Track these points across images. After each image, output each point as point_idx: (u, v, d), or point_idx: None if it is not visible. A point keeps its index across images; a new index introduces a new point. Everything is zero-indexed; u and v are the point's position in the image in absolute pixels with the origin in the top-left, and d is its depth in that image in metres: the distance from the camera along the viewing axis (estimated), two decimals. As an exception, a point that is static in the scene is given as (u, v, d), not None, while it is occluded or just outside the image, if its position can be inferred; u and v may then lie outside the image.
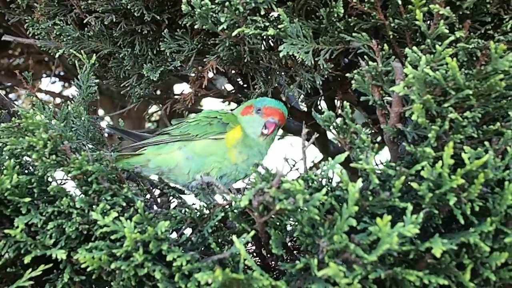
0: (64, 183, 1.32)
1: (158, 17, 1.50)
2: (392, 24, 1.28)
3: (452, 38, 1.14)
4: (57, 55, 1.63)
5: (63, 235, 1.17)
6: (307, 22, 1.38)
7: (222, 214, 1.21)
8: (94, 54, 1.51)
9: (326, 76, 1.47)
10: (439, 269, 1.08)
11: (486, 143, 1.14)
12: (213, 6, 1.25)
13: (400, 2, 1.23)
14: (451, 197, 1.04)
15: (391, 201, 1.08)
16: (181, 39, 1.52)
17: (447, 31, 1.17)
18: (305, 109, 2.16)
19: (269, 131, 1.50)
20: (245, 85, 1.87)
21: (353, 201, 1.02)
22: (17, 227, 1.13)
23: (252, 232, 1.09)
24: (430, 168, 1.07)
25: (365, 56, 1.28)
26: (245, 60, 1.46)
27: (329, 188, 1.14)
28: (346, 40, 1.33)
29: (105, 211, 1.14)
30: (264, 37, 1.35)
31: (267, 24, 1.26)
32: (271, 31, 1.24)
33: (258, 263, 1.31)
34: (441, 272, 1.07)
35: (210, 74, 1.70)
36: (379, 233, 1.00)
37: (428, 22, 1.27)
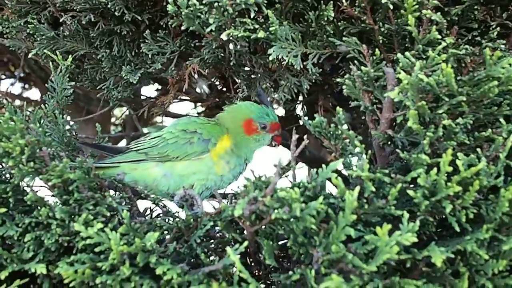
0: (37, 191, 1.24)
1: (139, 17, 1.44)
2: (382, 29, 1.27)
3: (444, 44, 1.14)
4: (30, 55, 1.54)
5: (41, 248, 1.09)
6: (295, 25, 1.35)
7: (211, 223, 1.16)
8: (70, 55, 1.43)
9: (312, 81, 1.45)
10: (434, 277, 1.06)
11: (478, 149, 1.14)
12: (201, 7, 1.20)
13: (391, 7, 1.22)
14: (447, 204, 1.04)
15: (386, 209, 1.07)
16: (162, 40, 1.47)
17: (439, 36, 1.16)
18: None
19: (278, 145, 1.52)
20: (224, 89, 1.83)
21: (350, 210, 1.00)
22: (-9, 240, 1.05)
23: (246, 243, 1.05)
24: (425, 175, 1.06)
25: (355, 61, 1.26)
26: (231, 63, 1.42)
27: (323, 196, 1.11)
28: (335, 44, 1.31)
29: (87, 221, 1.07)
30: (252, 40, 1.30)
31: (256, 26, 1.22)
32: (261, 34, 1.21)
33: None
34: (436, 280, 1.06)
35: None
36: (378, 242, 0.98)
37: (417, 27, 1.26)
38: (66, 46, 1.53)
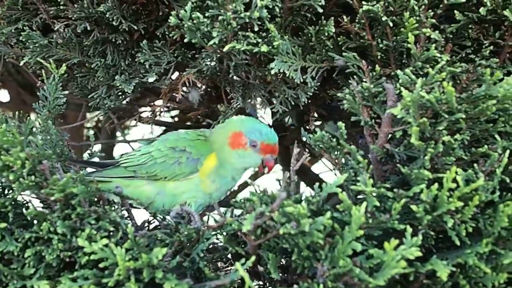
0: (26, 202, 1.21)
1: (135, 27, 1.42)
2: (380, 45, 1.30)
3: (443, 62, 1.17)
4: (21, 63, 1.50)
5: (41, 263, 1.07)
6: (293, 39, 1.37)
7: (215, 237, 1.15)
8: (64, 64, 1.40)
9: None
10: (435, 290, 1.09)
11: (474, 164, 1.18)
12: (204, 20, 1.20)
13: (391, 24, 1.24)
14: (448, 219, 1.06)
15: (389, 223, 1.08)
16: (158, 50, 1.45)
17: (438, 54, 1.19)
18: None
19: (269, 171, 1.39)
20: (216, 98, 1.82)
21: (357, 225, 1.01)
22: (-9, 256, 1.02)
23: (253, 258, 1.05)
24: (426, 190, 1.09)
25: (355, 77, 1.28)
26: (230, 75, 1.42)
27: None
28: (334, 58, 1.33)
29: (90, 236, 1.05)
30: (253, 53, 1.31)
31: (259, 40, 1.23)
32: (264, 48, 1.21)
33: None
34: (437, 292, 1.09)
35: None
36: (384, 256, 1.00)
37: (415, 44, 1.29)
38: (58, 54, 1.50)
